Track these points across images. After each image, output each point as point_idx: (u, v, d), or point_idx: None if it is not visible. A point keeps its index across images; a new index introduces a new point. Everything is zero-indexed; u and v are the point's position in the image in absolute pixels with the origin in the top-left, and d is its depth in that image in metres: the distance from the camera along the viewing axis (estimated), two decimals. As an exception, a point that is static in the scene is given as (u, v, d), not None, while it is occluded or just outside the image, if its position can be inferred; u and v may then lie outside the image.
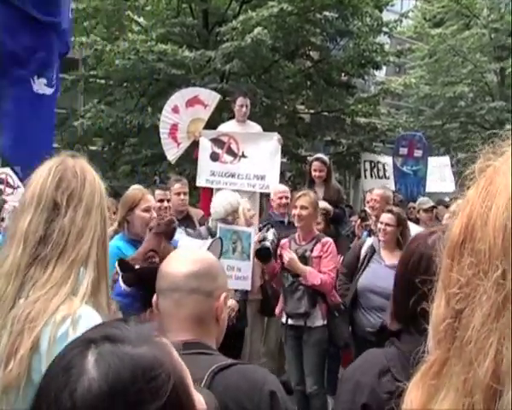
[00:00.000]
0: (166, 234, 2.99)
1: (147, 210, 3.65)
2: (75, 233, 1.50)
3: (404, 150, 8.50)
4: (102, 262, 1.55)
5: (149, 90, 11.90)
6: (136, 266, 2.57)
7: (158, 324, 0.86)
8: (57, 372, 0.75)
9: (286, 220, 5.45)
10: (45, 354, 1.31)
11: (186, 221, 5.08)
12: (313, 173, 6.04)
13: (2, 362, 1.35)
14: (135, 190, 3.93)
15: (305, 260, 4.32)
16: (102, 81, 12.33)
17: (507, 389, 0.46)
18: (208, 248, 3.09)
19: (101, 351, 0.74)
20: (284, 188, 5.87)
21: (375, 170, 9.63)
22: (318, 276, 4.24)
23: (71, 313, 1.38)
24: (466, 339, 0.50)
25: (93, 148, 13.26)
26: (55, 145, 13.01)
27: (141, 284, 2.22)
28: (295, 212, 4.42)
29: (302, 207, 4.40)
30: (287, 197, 5.60)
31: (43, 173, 1.56)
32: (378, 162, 9.74)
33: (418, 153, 8.41)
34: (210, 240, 3.57)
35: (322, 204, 5.18)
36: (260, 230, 4.83)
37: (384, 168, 9.43)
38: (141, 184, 6.21)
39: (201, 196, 6.65)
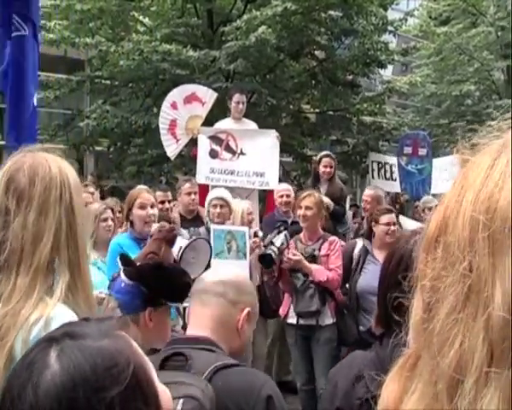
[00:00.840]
0: (167, 240, 3.01)
1: (142, 207, 3.72)
2: (30, 237, 1.38)
3: (408, 149, 8.50)
4: (75, 260, 1.44)
5: (154, 90, 11.92)
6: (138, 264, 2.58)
7: (118, 319, 0.87)
8: (20, 370, 0.78)
9: (290, 220, 5.41)
10: (19, 358, 1.29)
11: (196, 221, 5.09)
12: (323, 170, 6.10)
13: None
14: (134, 190, 4.02)
15: (314, 259, 4.34)
16: (108, 82, 12.37)
17: (467, 379, 0.47)
18: (187, 247, 3.07)
19: (63, 347, 0.78)
20: (285, 187, 5.85)
21: (383, 171, 9.59)
22: (325, 273, 4.27)
23: (43, 315, 1.32)
24: (432, 330, 0.51)
25: (99, 148, 13.30)
26: (62, 146, 13.09)
27: (142, 279, 2.22)
28: (300, 212, 4.45)
29: (307, 208, 4.42)
30: (288, 196, 5.58)
31: None
32: (386, 163, 9.69)
33: (422, 151, 8.39)
34: (192, 239, 3.56)
35: (324, 199, 5.17)
36: (257, 230, 4.82)
37: (391, 169, 9.40)
38: (147, 184, 6.22)
39: (199, 195, 6.64)
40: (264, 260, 4.30)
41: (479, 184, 0.51)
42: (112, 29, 12.00)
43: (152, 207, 3.81)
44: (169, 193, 5.29)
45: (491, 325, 0.46)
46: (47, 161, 1.47)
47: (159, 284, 2.20)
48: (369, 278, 4.24)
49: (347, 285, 4.53)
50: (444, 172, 8.64)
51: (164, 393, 0.84)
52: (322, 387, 4.29)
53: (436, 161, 8.73)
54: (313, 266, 4.28)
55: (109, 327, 0.84)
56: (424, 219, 6.45)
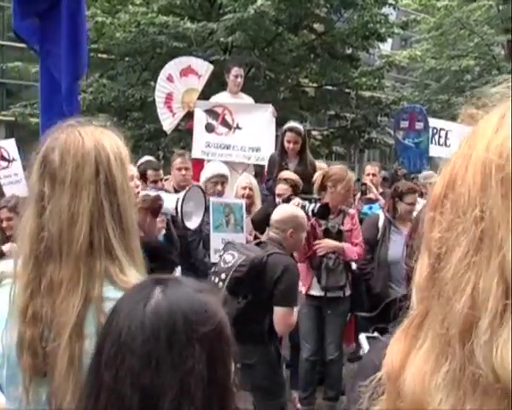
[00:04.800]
0: (152, 210, 2.94)
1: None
2: (66, 222, 1.29)
3: (405, 123, 8.44)
4: (123, 239, 1.34)
5: (151, 63, 11.79)
6: None
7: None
8: (128, 299, 0.99)
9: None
10: (94, 333, 1.22)
11: None
12: (286, 145, 5.29)
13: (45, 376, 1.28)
14: None
15: (340, 234, 4.35)
16: (104, 55, 12.23)
17: (482, 320, 0.47)
18: (184, 198, 3.01)
19: (167, 285, 0.98)
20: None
21: (437, 136, 9.18)
22: (354, 251, 4.35)
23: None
24: (443, 278, 0.51)
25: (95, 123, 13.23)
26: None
27: None
28: (339, 190, 4.42)
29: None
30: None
31: (35, 158, 1.34)
32: (441, 129, 9.29)
33: (419, 125, 8.35)
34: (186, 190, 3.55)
35: (293, 175, 4.74)
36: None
37: (446, 136, 9.01)
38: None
39: (193, 171, 6.59)
40: (322, 211, 4.30)
41: (489, 135, 0.51)
42: (108, 1, 11.82)
43: (137, 178, 3.76)
44: (161, 171, 5.25)
45: (506, 266, 0.46)
46: (81, 136, 1.35)
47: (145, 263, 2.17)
48: (397, 247, 4.30)
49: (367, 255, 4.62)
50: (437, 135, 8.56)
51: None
52: (332, 354, 4.41)
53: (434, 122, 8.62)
54: (343, 245, 4.32)
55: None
56: (426, 192, 6.48)
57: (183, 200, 2.87)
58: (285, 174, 4.75)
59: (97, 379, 0.95)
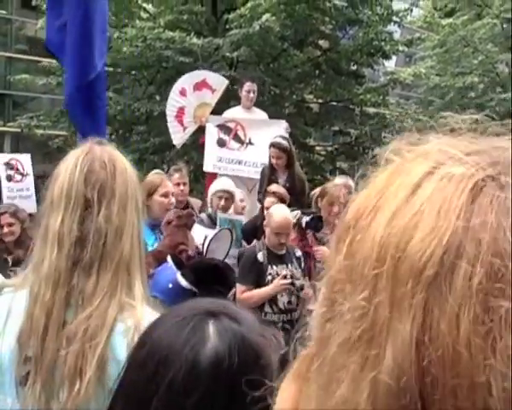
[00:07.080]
0: (190, 226, 3.05)
1: (165, 195, 3.71)
2: (113, 232, 1.34)
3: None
4: (142, 258, 1.42)
5: (157, 77, 11.88)
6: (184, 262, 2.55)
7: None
8: (178, 330, 0.83)
9: None
10: (111, 360, 1.24)
11: None
12: (271, 160, 5.43)
13: (63, 384, 1.26)
14: (153, 175, 3.97)
15: None
16: (110, 69, 12.30)
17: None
18: (213, 238, 3.10)
19: (223, 324, 0.83)
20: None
21: None
22: None
23: (134, 320, 1.27)
24: (325, 357, 0.47)
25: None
26: (64, 133, 13.06)
27: (200, 282, 2.19)
28: (335, 210, 4.43)
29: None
30: None
31: (70, 166, 1.38)
32: None
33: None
34: (216, 229, 3.60)
35: (280, 189, 4.82)
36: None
37: None
38: (149, 172, 6.22)
39: (207, 184, 6.62)
40: (314, 222, 4.35)
41: (394, 206, 0.44)
42: (115, 15, 11.91)
43: (172, 195, 3.86)
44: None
45: (377, 388, 0.41)
46: (120, 156, 1.43)
47: (215, 285, 2.18)
48: None
49: None
50: None
51: None
52: None
53: None
54: None
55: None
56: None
57: (212, 239, 2.98)
58: (273, 188, 4.86)
59: None
